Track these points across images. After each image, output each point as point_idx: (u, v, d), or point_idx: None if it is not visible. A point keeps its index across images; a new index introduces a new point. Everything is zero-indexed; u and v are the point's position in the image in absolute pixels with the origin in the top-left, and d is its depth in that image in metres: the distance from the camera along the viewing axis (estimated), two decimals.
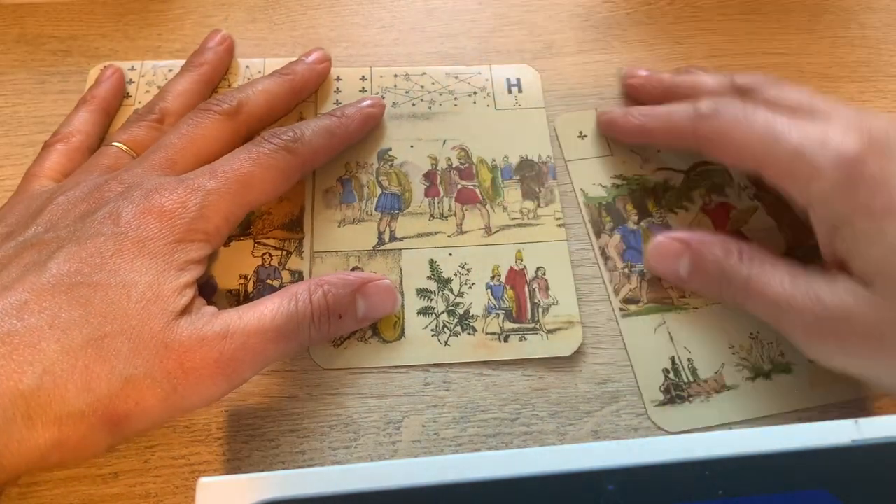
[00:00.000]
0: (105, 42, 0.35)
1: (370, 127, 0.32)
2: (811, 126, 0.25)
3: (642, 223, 0.31)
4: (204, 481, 0.19)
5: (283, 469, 0.25)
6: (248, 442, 0.25)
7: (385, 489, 0.18)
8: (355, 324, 0.27)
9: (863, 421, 0.20)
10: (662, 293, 0.29)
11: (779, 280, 0.25)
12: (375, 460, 0.25)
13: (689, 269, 0.28)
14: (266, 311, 0.24)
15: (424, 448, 0.26)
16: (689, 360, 0.27)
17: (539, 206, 0.31)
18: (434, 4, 0.37)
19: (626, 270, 0.29)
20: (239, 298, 0.28)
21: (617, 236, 0.30)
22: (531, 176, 0.32)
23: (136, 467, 0.25)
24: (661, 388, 0.27)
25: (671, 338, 0.28)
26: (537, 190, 0.31)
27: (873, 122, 0.25)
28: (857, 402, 0.27)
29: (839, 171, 0.24)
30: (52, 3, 0.36)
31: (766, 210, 0.31)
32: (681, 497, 0.18)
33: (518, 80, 0.35)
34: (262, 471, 0.24)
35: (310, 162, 0.29)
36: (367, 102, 0.32)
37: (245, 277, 0.28)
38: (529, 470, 0.19)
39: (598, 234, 0.30)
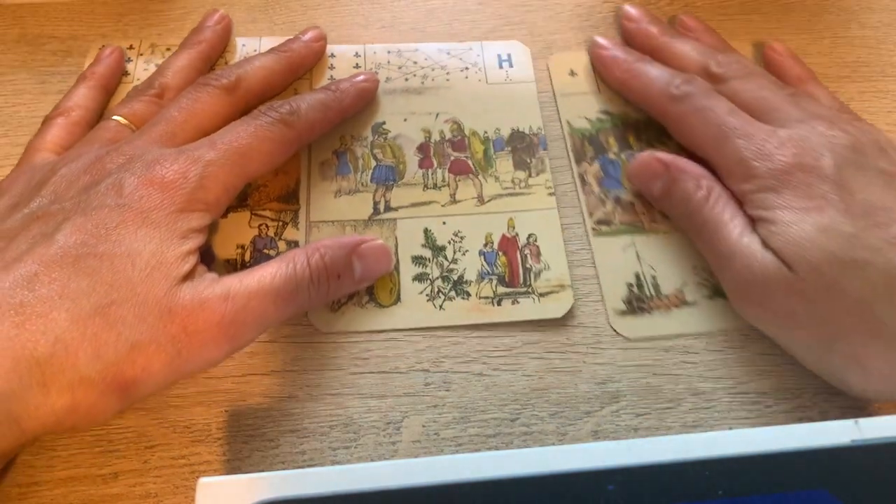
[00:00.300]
0: (105, 42, 0.35)
1: (365, 101, 0.33)
2: (758, 131, 0.28)
3: (622, 155, 0.33)
4: (204, 481, 0.19)
5: (283, 469, 0.25)
6: (248, 442, 0.25)
7: (385, 489, 0.18)
8: (353, 284, 0.27)
9: (863, 421, 0.20)
10: (634, 217, 0.31)
11: (728, 233, 0.27)
12: (375, 460, 0.25)
13: (660, 190, 0.30)
14: (266, 274, 0.24)
15: (424, 448, 0.26)
16: (652, 276, 0.29)
17: (530, 175, 0.32)
18: (434, 4, 0.37)
19: (602, 196, 0.31)
20: (236, 267, 0.29)
21: (596, 165, 0.32)
22: (522, 147, 0.33)
23: (136, 467, 0.25)
24: (624, 300, 0.29)
25: (638, 256, 0.30)
26: (528, 160, 0.32)
27: (811, 137, 0.27)
28: (855, 402, 0.27)
29: (769, 180, 0.26)
30: (52, 3, 0.36)
31: None
32: (681, 497, 0.18)
33: (509, 55, 0.35)
34: (262, 471, 0.24)
35: (306, 134, 0.29)
36: (362, 78, 0.33)
37: (242, 247, 0.29)
38: (529, 470, 0.19)
39: (578, 162, 0.32)
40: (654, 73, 0.32)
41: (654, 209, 0.31)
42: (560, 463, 0.19)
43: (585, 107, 0.34)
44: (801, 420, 0.27)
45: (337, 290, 0.27)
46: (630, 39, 0.35)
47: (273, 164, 0.28)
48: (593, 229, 0.30)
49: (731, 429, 0.26)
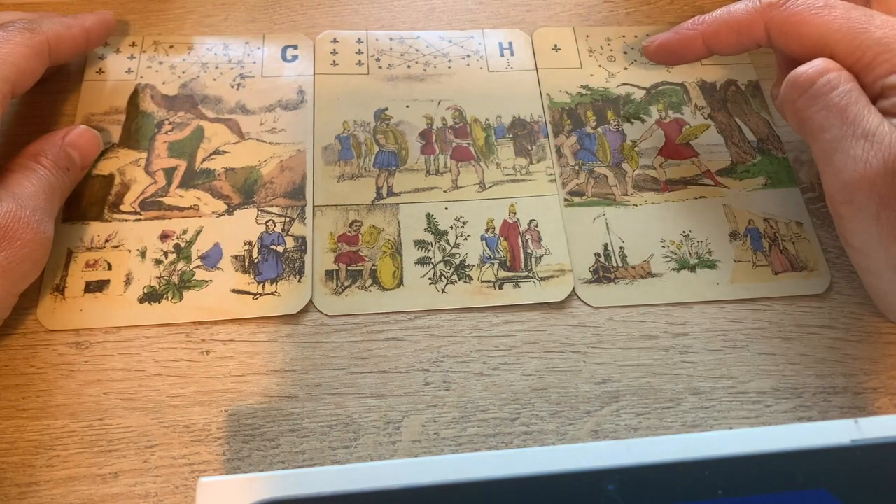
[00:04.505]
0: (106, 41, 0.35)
1: (106, 28, 0.33)
2: (888, 22, 0.27)
3: (599, 129, 0.33)
4: (204, 481, 0.19)
5: (283, 469, 0.25)
6: (248, 442, 0.25)
7: (385, 489, 0.18)
8: (80, 170, 0.30)
9: (863, 421, 0.20)
10: (606, 189, 0.32)
11: (870, 114, 0.25)
12: (375, 460, 0.25)
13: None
14: (24, 183, 0.27)
15: (424, 448, 0.26)
16: (620, 248, 0.30)
17: (531, 162, 0.32)
18: (434, 4, 0.37)
19: (577, 168, 0.32)
20: (244, 263, 0.29)
21: (573, 137, 0.33)
22: (523, 134, 0.33)
23: (136, 467, 0.25)
24: (591, 269, 0.30)
25: (608, 227, 0.31)
26: (529, 147, 0.33)
27: None
28: (855, 402, 0.27)
29: None
30: (52, 3, 0.36)
31: (716, 128, 0.34)
32: (681, 497, 0.18)
33: (510, 43, 0.36)
34: (262, 471, 0.25)
35: (54, 41, 0.29)
36: (102, 11, 0.33)
37: (250, 244, 0.30)
38: (529, 470, 0.19)
39: (556, 135, 0.33)
40: (730, 6, 0.30)
41: (626, 182, 0.32)
42: (560, 463, 0.19)
43: (566, 81, 0.35)
44: (801, 420, 0.27)
45: (72, 178, 0.29)
46: (675, 48, 0.32)
47: (30, 68, 0.28)
48: (565, 200, 0.31)
49: (731, 429, 0.26)
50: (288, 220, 0.30)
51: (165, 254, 0.29)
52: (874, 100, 0.26)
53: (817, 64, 0.27)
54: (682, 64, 0.35)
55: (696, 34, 0.31)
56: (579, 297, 0.29)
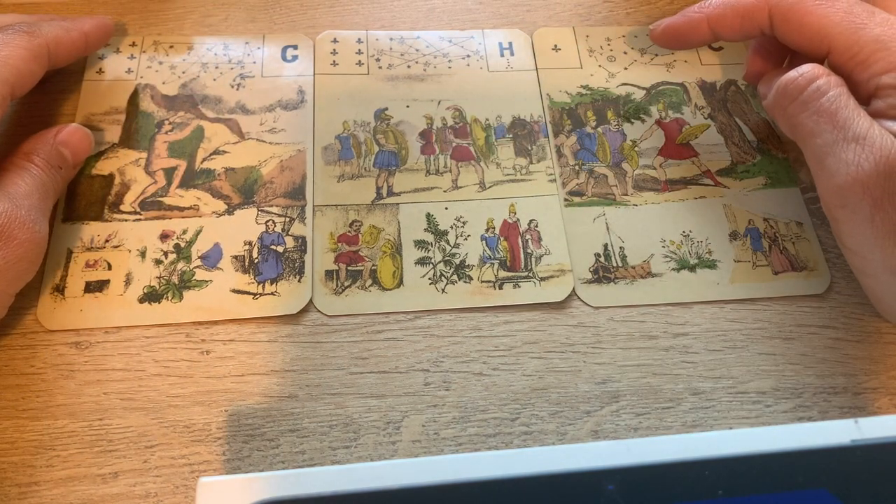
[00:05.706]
0: None
1: (105, 32, 0.33)
2: (888, 21, 0.27)
3: (599, 129, 0.34)
4: (204, 481, 0.19)
5: (283, 469, 0.25)
6: (248, 442, 0.25)
7: (385, 489, 0.18)
8: (71, 168, 0.30)
9: (863, 421, 0.20)
10: (607, 189, 0.32)
11: (860, 117, 0.25)
12: (375, 460, 0.25)
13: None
14: (18, 183, 0.27)
15: (424, 448, 0.26)
16: (620, 248, 0.30)
17: (531, 162, 0.32)
18: (434, 4, 0.37)
19: (577, 168, 0.32)
20: (244, 263, 0.29)
21: (573, 137, 0.33)
22: (523, 135, 0.33)
23: (136, 467, 0.25)
24: (591, 269, 0.30)
25: (608, 227, 0.31)
26: (529, 147, 0.33)
27: None
28: (855, 402, 0.27)
29: None
30: (52, 3, 0.36)
31: (716, 128, 0.34)
32: (681, 497, 0.18)
33: (510, 43, 0.36)
34: (262, 471, 0.25)
35: (53, 45, 0.30)
36: (101, 16, 0.33)
37: (249, 244, 0.30)
38: (529, 470, 0.19)
39: (556, 135, 0.33)
40: None
41: (626, 182, 0.32)
42: (560, 463, 0.19)
43: (566, 81, 0.35)
44: (801, 420, 0.27)
45: (64, 177, 0.29)
46: (685, 26, 0.33)
47: (29, 71, 0.28)
48: (565, 200, 0.31)
49: (731, 429, 0.26)
50: (288, 220, 0.30)
51: (165, 254, 0.29)
52: (868, 98, 0.27)
53: (806, 70, 0.27)
54: (687, 48, 0.35)
55: (703, 17, 0.31)
56: (579, 297, 0.29)
